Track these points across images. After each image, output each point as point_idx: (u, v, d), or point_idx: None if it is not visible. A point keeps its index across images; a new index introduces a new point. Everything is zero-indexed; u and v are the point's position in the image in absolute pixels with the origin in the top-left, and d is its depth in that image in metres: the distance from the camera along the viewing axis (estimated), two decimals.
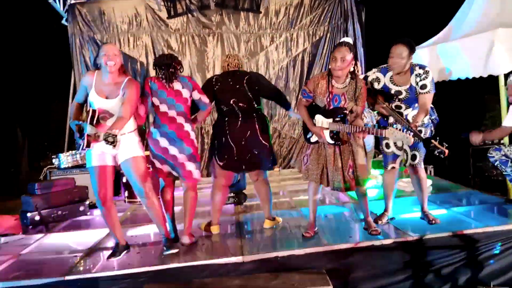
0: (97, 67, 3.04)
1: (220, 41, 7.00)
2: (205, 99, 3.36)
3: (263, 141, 3.47)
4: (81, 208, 4.67)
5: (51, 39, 8.58)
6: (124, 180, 5.12)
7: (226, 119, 3.47)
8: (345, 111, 3.09)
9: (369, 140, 4.16)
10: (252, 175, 3.64)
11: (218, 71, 6.63)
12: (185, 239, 3.34)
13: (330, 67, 3.11)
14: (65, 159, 5.33)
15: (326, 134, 3.11)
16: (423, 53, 4.76)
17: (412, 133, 2.95)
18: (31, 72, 9.35)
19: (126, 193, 5.14)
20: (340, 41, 3.15)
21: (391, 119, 3.38)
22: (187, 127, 3.28)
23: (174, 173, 3.33)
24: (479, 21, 4.48)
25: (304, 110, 3.27)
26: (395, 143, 3.42)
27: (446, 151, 3.02)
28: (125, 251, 3.19)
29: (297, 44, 7.19)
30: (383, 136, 3.00)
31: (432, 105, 3.38)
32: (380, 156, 4.33)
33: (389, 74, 3.34)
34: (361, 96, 3.10)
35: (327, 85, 3.13)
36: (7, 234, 4.05)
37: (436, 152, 3.02)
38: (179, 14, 6.90)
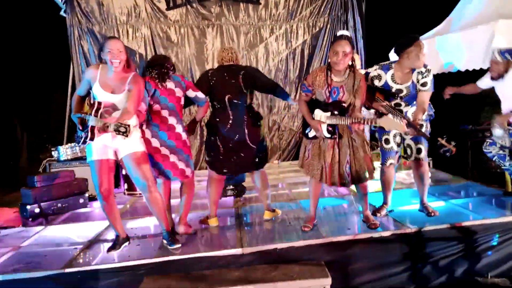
0: (101, 61, 3.00)
1: (220, 33, 6.97)
2: (201, 95, 3.39)
3: (251, 144, 3.44)
4: (81, 201, 4.68)
5: (50, 31, 8.52)
6: (123, 172, 5.12)
7: (218, 119, 3.46)
8: (342, 104, 3.08)
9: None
10: None
11: (217, 63, 6.60)
12: (181, 229, 3.39)
13: (330, 60, 3.09)
14: (64, 151, 5.33)
15: (324, 127, 3.11)
16: None
17: (415, 130, 2.95)
18: (30, 64, 9.31)
19: (126, 186, 5.15)
20: (339, 34, 3.11)
21: (390, 116, 3.36)
22: (178, 128, 3.29)
23: (165, 175, 3.32)
24: (479, 13, 4.46)
25: (303, 105, 3.27)
26: (394, 139, 3.42)
27: (454, 149, 3.00)
28: (125, 244, 3.20)
29: (297, 36, 7.16)
30: (377, 125, 2.99)
31: (429, 101, 3.37)
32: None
33: (391, 71, 3.32)
34: (360, 89, 3.09)
35: (325, 78, 3.12)
36: (7, 227, 4.07)
37: (442, 150, 3.00)
38: (178, 5, 6.86)
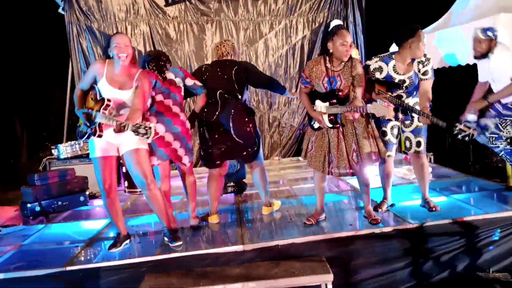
0: (108, 56, 2.98)
1: (219, 29, 6.94)
2: (199, 83, 3.47)
3: (236, 138, 3.42)
4: (81, 198, 4.67)
5: (48, 29, 8.49)
6: (124, 170, 5.11)
7: (206, 110, 3.47)
8: (338, 93, 3.07)
9: None
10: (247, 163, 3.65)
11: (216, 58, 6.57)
12: (192, 222, 3.50)
13: (334, 51, 3.06)
14: (64, 149, 5.31)
15: (325, 118, 3.11)
16: None
17: (429, 119, 2.99)
18: (29, 62, 9.28)
19: (126, 183, 5.14)
20: (338, 24, 3.11)
21: None
22: (182, 116, 3.37)
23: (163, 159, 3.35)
24: (479, 6, 4.43)
25: (304, 97, 3.27)
26: (391, 131, 3.41)
27: (474, 132, 2.98)
28: (126, 242, 3.19)
29: (297, 31, 7.12)
30: (367, 111, 2.98)
31: None
32: None
33: (392, 62, 3.31)
34: (358, 76, 3.07)
35: (322, 68, 3.13)
36: (8, 225, 4.07)
37: (461, 135, 2.96)
38: (177, 1, 6.82)
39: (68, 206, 4.53)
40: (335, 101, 3.07)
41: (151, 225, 3.80)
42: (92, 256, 3.11)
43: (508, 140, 3.68)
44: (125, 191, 5.16)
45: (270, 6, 7.02)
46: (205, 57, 6.92)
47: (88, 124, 2.87)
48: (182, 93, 3.44)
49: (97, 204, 4.82)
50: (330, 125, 3.10)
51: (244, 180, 4.66)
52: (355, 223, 3.40)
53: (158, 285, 2.65)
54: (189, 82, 3.44)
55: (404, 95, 3.34)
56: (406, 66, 3.29)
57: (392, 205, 3.61)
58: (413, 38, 3.17)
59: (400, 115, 3.38)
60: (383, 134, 3.42)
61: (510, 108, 3.61)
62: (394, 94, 3.34)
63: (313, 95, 3.23)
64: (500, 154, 3.73)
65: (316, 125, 3.22)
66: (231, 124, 3.40)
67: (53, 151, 5.41)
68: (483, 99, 3.62)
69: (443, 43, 4.66)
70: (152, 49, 6.72)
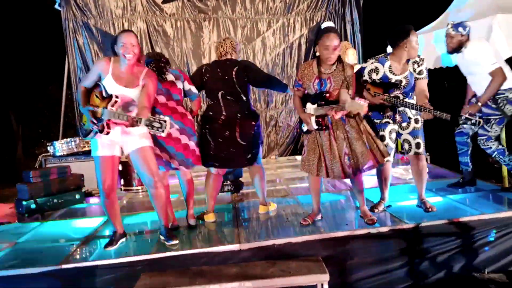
0: (115, 54, 2.95)
1: (216, 26, 6.92)
2: (194, 90, 3.47)
3: (241, 141, 3.41)
4: (77, 196, 4.65)
5: (45, 24, 8.44)
6: (120, 168, 5.09)
7: (210, 113, 3.46)
8: (326, 95, 3.08)
9: None
10: None
11: (214, 56, 6.54)
12: (192, 221, 3.50)
13: (319, 54, 3.10)
14: (60, 146, 5.29)
15: (312, 120, 3.12)
16: (420, 40, 4.71)
17: (432, 114, 3.02)
18: (25, 58, 9.22)
19: (122, 181, 5.12)
20: (325, 26, 3.12)
21: (388, 111, 3.34)
22: (189, 115, 3.42)
23: (172, 163, 3.35)
24: (477, 7, 4.43)
25: (296, 100, 3.30)
26: (390, 135, 3.41)
27: (481, 120, 3.05)
28: (121, 240, 3.18)
29: (294, 30, 7.12)
30: (345, 110, 2.97)
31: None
32: None
33: (388, 63, 3.31)
34: (349, 78, 3.06)
35: (313, 71, 3.15)
36: (3, 223, 4.05)
37: (471, 123, 3.03)
38: None
39: (63, 204, 4.50)
40: (323, 103, 3.08)
41: (147, 223, 3.79)
42: (88, 254, 3.09)
43: (498, 140, 3.70)
44: (121, 189, 5.14)
45: (267, 4, 7.01)
46: (202, 54, 6.91)
47: (95, 121, 2.85)
48: (183, 94, 3.46)
49: (93, 202, 4.80)
50: (316, 127, 3.11)
51: (240, 179, 4.65)
52: (351, 223, 3.40)
53: (153, 284, 2.65)
54: (187, 86, 3.45)
55: (401, 96, 3.34)
56: (401, 67, 3.30)
57: (388, 206, 3.62)
58: (408, 38, 3.21)
59: (398, 117, 3.37)
60: (382, 138, 3.41)
61: (490, 106, 3.67)
62: (392, 95, 3.34)
63: (306, 98, 3.24)
64: (494, 155, 3.75)
65: (305, 128, 3.24)
66: (237, 129, 3.39)
67: (48, 148, 5.39)
68: (475, 103, 3.66)
69: (441, 43, 4.65)
70: (149, 46, 6.70)
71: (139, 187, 5.10)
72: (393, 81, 3.30)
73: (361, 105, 2.88)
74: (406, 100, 3.36)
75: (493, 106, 3.67)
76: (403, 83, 3.30)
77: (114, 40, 2.93)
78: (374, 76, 3.36)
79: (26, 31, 9.29)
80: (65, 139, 5.43)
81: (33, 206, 4.27)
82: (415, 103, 3.29)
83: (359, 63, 5.66)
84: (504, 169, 4.14)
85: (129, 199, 4.77)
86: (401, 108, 3.35)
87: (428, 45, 4.68)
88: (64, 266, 2.86)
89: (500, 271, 3.11)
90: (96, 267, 2.87)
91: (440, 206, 3.55)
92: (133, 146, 2.98)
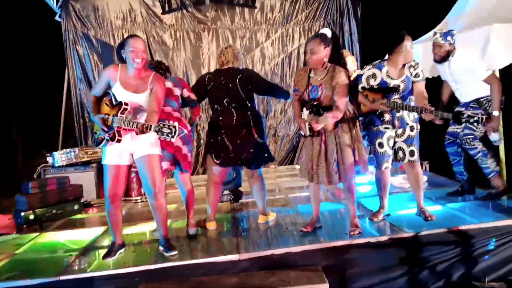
0: (122, 59, 2.96)
1: (215, 37, 6.97)
2: (193, 97, 3.52)
3: (259, 139, 3.47)
4: (76, 207, 4.64)
5: (45, 36, 8.50)
6: None
7: (221, 118, 3.48)
8: (314, 103, 3.10)
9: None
10: (247, 172, 3.65)
11: (213, 67, 6.60)
12: (192, 230, 3.50)
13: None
14: (59, 157, 5.29)
15: (306, 125, 3.14)
16: (418, 49, 4.75)
17: (434, 114, 3.06)
18: (25, 69, 9.27)
19: None
20: (316, 32, 3.17)
21: (387, 117, 3.36)
22: (184, 120, 3.47)
23: (172, 169, 3.43)
24: (474, 16, 4.48)
25: (295, 104, 3.32)
26: (388, 142, 3.42)
27: (484, 116, 3.03)
28: (120, 250, 3.16)
29: (293, 40, 7.17)
30: (325, 119, 3.00)
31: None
32: None
33: (385, 68, 3.34)
34: (338, 85, 3.04)
35: (306, 77, 3.19)
36: (1, 234, 4.03)
37: (473, 120, 2.99)
38: (173, 9, 6.85)
39: (62, 215, 4.49)
40: (314, 110, 3.11)
41: (146, 234, 3.78)
42: (86, 265, 3.07)
43: (483, 141, 3.70)
44: None
45: (266, 15, 7.07)
46: (201, 65, 6.95)
47: (106, 129, 2.86)
48: (180, 101, 3.50)
49: (92, 212, 4.79)
50: (309, 133, 3.13)
51: (240, 188, 4.65)
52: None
53: None
54: (185, 93, 3.51)
55: (399, 101, 3.36)
56: (398, 71, 3.34)
57: (388, 215, 3.61)
58: (404, 43, 3.26)
59: (396, 122, 3.38)
60: (380, 145, 3.42)
61: (475, 107, 3.70)
62: (391, 100, 3.35)
63: (304, 104, 3.28)
64: (477, 156, 3.72)
65: (302, 132, 3.26)
66: (253, 129, 3.44)
67: (48, 158, 5.39)
68: (493, 114, 3.58)
69: None
70: (149, 56, 6.74)
71: (138, 197, 5.10)
72: (391, 85, 3.33)
73: (326, 120, 2.96)
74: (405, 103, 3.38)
75: (477, 107, 3.71)
76: (401, 87, 3.32)
77: (121, 44, 2.95)
78: (372, 82, 3.38)
79: (27, 42, 9.36)
80: (64, 150, 5.43)
81: (31, 217, 4.26)
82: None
83: (358, 70, 5.70)
84: (504, 177, 4.14)
85: (128, 209, 4.75)
86: (399, 114, 3.36)
87: (426, 54, 4.70)
88: (63, 278, 2.84)
89: (500, 279, 3.09)
90: (95, 278, 2.85)
91: (439, 214, 3.55)
92: (141, 152, 2.99)
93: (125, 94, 2.91)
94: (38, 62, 9.19)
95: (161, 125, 2.63)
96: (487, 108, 3.68)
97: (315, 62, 3.08)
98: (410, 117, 3.39)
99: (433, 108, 3.12)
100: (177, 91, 3.46)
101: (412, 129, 3.41)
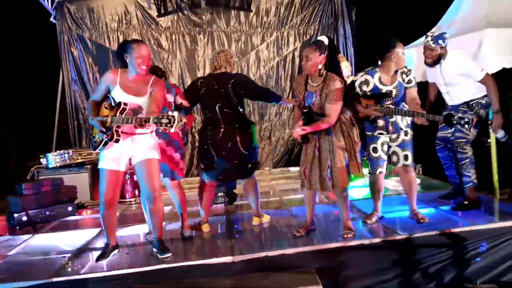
0: (119, 59, 2.97)
1: (211, 40, 6.98)
2: (186, 104, 3.52)
3: (243, 151, 3.45)
4: (70, 209, 4.62)
5: (39, 37, 8.46)
6: None
7: (209, 127, 3.50)
8: (304, 110, 3.12)
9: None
10: None
11: (208, 70, 6.60)
12: (187, 232, 3.50)
13: None
14: (53, 158, 5.26)
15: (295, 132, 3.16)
16: (411, 53, 4.79)
17: (425, 117, 3.10)
18: (19, 70, 9.22)
19: None
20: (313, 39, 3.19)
21: (380, 122, 3.38)
22: (176, 128, 3.36)
23: (163, 178, 3.41)
24: (467, 21, 4.52)
25: (294, 111, 3.35)
26: (382, 147, 3.44)
27: (474, 117, 3.08)
28: (114, 252, 3.16)
29: (288, 43, 7.20)
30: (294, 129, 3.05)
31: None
32: None
33: (377, 75, 3.38)
34: (330, 93, 3.05)
35: (303, 84, 3.22)
36: None
37: (463, 122, 3.00)
38: (169, 12, 6.85)
39: (56, 216, 4.47)
40: (306, 116, 3.10)
41: (139, 235, 3.77)
42: (80, 267, 3.06)
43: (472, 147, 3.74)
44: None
45: (262, 18, 7.09)
46: (196, 67, 6.95)
47: (104, 130, 2.86)
48: (173, 107, 3.49)
49: (86, 214, 4.77)
50: (300, 140, 3.14)
51: (234, 190, 4.65)
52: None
53: None
54: (178, 100, 3.51)
55: (392, 107, 3.39)
56: (390, 78, 3.37)
57: (381, 217, 3.63)
58: (395, 49, 3.29)
59: (390, 127, 3.41)
60: (374, 150, 3.45)
61: (465, 110, 3.73)
62: (384, 106, 3.38)
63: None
64: (464, 162, 3.71)
65: (300, 139, 3.26)
66: (238, 138, 3.42)
67: (41, 160, 5.36)
68: (494, 113, 3.61)
69: None
70: None
71: (132, 199, 5.09)
72: (383, 91, 3.36)
73: (294, 130, 3.02)
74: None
75: (468, 110, 3.73)
76: (393, 93, 3.36)
77: (123, 47, 2.94)
78: (364, 88, 3.41)
79: (21, 44, 9.31)
80: (58, 151, 5.40)
81: (24, 218, 4.23)
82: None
83: (352, 75, 5.73)
84: (495, 180, 4.17)
85: (122, 211, 4.74)
86: (393, 119, 3.39)
87: (419, 59, 4.74)
88: (56, 279, 2.83)
89: (492, 281, 3.12)
90: (88, 280, 2.84)
91: (432, 217, 3.57)
92: (140, 156, 2.99)
93: (125, 97, 2.93)
94: (33, 64, 9.13)
95: (159, 116, 2.62)
96: (478, 111, 3.72)
97: (310, 68, 3.11)
98: (403, 122, 3.42)
99: (425, 112, 3.17)
100: (170, 97, 3.44)
101: (406, 134, 3.44)
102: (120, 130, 2.87)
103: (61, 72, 6.59)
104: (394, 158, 3.49)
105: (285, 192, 5.12)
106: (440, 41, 3.61)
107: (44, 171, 5.22)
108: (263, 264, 2.97)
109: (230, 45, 7.00)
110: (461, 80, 3.67)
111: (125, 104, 2.87)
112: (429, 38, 3.65)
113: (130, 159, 3.05)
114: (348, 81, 3.92)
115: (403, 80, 3.36)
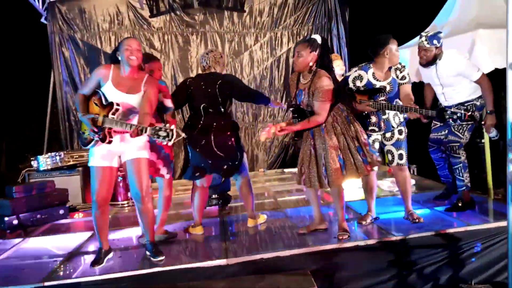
0: (113, 60, 2.93)
1: (204, 40, 6.95)
2: (170, 104, 3.37)
3: (217, 152, 3.40)
4: (61, 212, 4.56)
5: (30, 38, 8.38)
6: None
7: (189, 123, 3.51)
8: (290, 108, 3.14)
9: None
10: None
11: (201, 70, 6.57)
12: (161, 237, 3.41)
13: None
14: (44, 161, 5.19)
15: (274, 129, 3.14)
16: (405, 54, 4.80)
17: (418, 112, 3.11)
18: (9, 71, 9.12)
19: None
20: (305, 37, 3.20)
21: (373, 119, 3.38)
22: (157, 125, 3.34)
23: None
24: (459, 21, 4.54)
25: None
26: (373, 145, 3.43)
27: (467, 112, 3.05)
28: (108, 256, 3.10)
29: (281, 44, 7.20)
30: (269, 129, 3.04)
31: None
32: None
33: (371, 70, 3.37)
34: (316, 90, 3.04)
35: (295, 81, 3.24)
36: None
37: (456, 116, 3.01)
38: (161, 12, 6.82)
39: (47, 219, 4.40)
40: (296, 115, 3.11)
41: (132, 239, 3.72)
42: (72, 271, 3.02)
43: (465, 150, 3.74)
44: None
45: (255, 19, 7.08)
46: (189, 68, 6.92)
47: (95, 130, 2.80)
48: (159, 105, 3.36)
49: (77, 217, 4.71)
50: (292, 140, 3.15)
51: (228, 192, 4.62)
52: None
53: None
54: (160, 98, 3.35)
55: (385, 102, 3.38)
56: (384, 74, 3.37)
57: (376, 218, 3.62)
58: (388, 45, 3.28)
59: (382, 124, 3.40)
60: None
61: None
62: (377, 101, 3.37)
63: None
64: (457, 166, 3.70)
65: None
66: (212, 137, 3.39)
67: (32, 162, 5.28)
68: (488, 113, 3.60)
69: None
70: None
71: (125, 202, 5.04)
72: (377, 87, 3.35)
73: (263, 133, 3.02)
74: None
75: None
76: (387, 89, 3.35)
77: (117, 47, 2.93)
78: (358, 83, 3.39)
79: (12, 45, 9.21)
80: (49, 153, 5.32)
81: (15, 222, 4.17)
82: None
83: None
84: (490, 181, 4.19)
85: (114, 214, 4.69)
86: (385, 116, 3.39)
87: (413, 59, 4.75)
88: (47, 284, 2.79)
89: (486, 282, 3.12)
90: (80, 284, 2.80)
91: (427, 217, 3.57)
92: (130, 155, 2.94)
93: (117, 94, 2.87)
94: (23, 65, 9.05)
95: (157, 128, 2.58)
96: (472, 113, 3.71)
97: (300, 64, 3.10)
98: (395, 120, 3.42)
99: (418, 107, 3.17)
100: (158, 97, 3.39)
101: (400, 132, 3.43)
102: (112, 131, 2.83)
103: (52, 73, 6.52)
104: (389, 157, 3.49)
105: (280, 194, 5.09)
106: (434, 41, 3.57)
107: (35, 174, 5.15)
108: (257, 266, 2.94)
109: (224, 46, 6.98)
110: (457, 81, 3.66)
111: (118, 104, 2.81)
112: (423, 39, 3.61)
113: (119, 157, 3.00)
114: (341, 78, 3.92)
115: (397, 77, 3.36)
